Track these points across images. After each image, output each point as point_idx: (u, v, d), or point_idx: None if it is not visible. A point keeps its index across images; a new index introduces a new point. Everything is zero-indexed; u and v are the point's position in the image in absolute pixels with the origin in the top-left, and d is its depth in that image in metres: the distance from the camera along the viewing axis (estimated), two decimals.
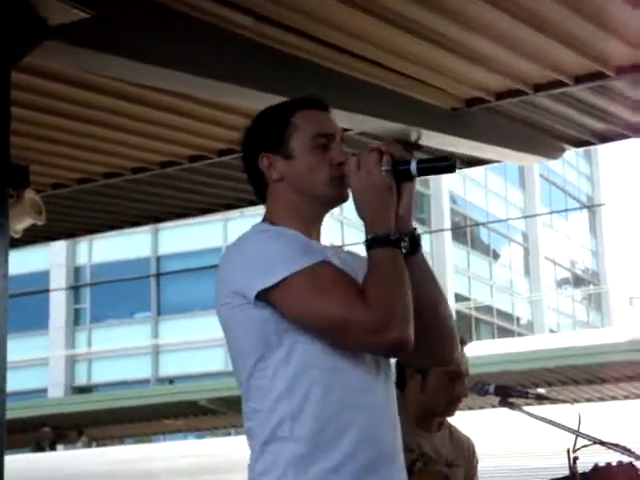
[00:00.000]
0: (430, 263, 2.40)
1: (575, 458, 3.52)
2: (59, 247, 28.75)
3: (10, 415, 4.33)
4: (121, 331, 30.76)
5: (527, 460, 8.87)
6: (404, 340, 2.20)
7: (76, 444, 20.50)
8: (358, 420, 2.25)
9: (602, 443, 3.52)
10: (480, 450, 3.93)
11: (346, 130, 5.81)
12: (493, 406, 7.33)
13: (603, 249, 44.69)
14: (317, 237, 2.42)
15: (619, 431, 6.27)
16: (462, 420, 4.08)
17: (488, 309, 35.36)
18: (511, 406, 3.69)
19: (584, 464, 3.60)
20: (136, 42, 4.85)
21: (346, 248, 2.70)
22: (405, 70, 5.75)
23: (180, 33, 4.96)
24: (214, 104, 6.05)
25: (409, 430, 2.90)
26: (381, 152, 2.32)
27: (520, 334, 34.39)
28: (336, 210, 2.49)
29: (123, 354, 30.47)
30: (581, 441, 3.51)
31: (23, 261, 23.64)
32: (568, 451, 3.50)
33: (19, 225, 6.32)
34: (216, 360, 27.85)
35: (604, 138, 7.11)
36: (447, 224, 32.78)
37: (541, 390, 14.72)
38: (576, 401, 13.52)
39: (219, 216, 23.50)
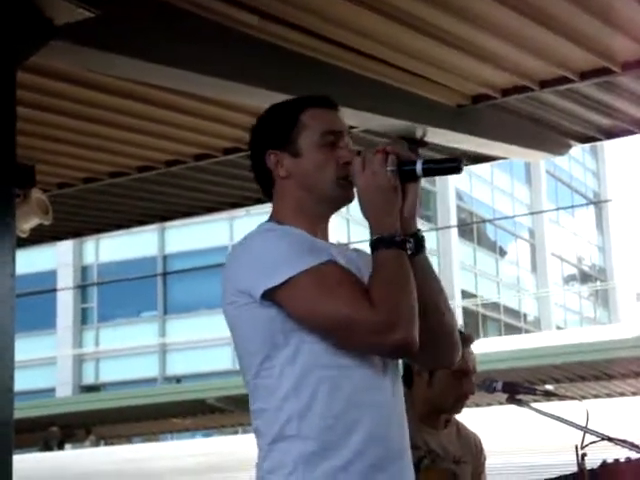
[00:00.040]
0: (437, 260, 2.40)
1: (583, 455, 3.52)
2: (66, 246, 28.77)
3: (18, 415, 4.34)
4: (128, 330, 30.80)
5: (535, 457, 8.87)
6: (409, 341, 2.20)
7: (84, 443, 20.54)
8: (366, 418, 2.25)
9: (610, 439, 3.52)
10: (488, 447, 3.93)
11: (352, 127, 5.81)
12: (501, 403, 7.33)
13: (610, 245, 44.63)
14: (323, 236, 2.42)
15: (627, 427, 6.26)
16: (470, 417, 4.07)
17: (495, 306, 35.34)
18: (519, 403, 3.69)
19: (592, 460, 3.59)
20: (141, 41, 4.86)
21: (352, 246, 2.70)
22: (411, 67, 5.75)
23: (185, 32, 4.96)
24: (219, 102, 6.05)
25: (415, 427, 2.90)
26: (386, 152, 2.32)
27: (527, 331, 34.37)
28: (341, 209, 2.49)
29: (130, 353, 30.51)
30: (589, 437, 3.51)
31: (30, 261, 23.69)
32: (576, 448, 3.49)
33: (26, 225, 6.33)
34: (223, 359, 27.88)
35: (610, 134, 7.11)
36: (453, 221, 32.77)
37: (548, 387, 14.73)
38: (584, 397, 13.51)
39: (225, 215, 23.53)
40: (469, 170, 29.87)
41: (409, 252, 2.30)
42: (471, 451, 3.82)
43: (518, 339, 20.72)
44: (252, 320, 2.27)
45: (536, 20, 5.14)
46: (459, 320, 29.59)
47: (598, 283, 42.97)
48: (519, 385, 3.77)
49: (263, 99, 4.97)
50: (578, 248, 42.33)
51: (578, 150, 32.00)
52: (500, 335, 31.73)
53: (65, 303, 30.90)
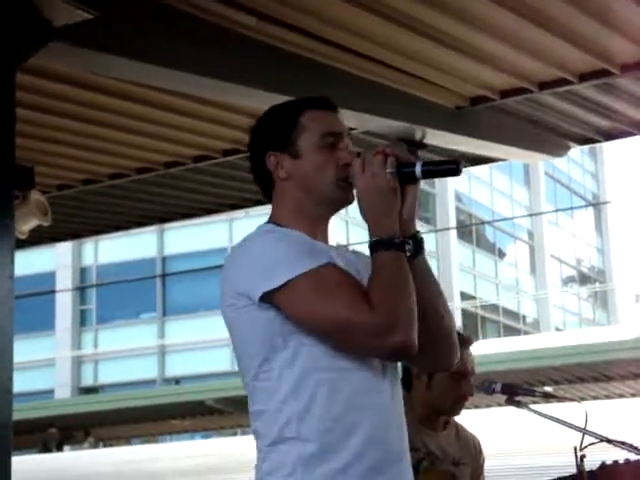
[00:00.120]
0: (435, 262, 2.41)
1: (582, 456, 3.52)
2: (65, 248, 28.78)
3: (17, 416, 4.34)
4: (127, 332, 30.78)
5: (534, 458, 8.87)
6: (408, 344, 2.20)
7: (83, 445, 20.54)
8: (365, 421, 2.25)
9: (609, 441, 3.52)
10: (487, 449, 3.93)
11: (350, 129, 5.81)
12: (500, 404, 7.33)
13: (609, 247, 44.64)
14: (323, 237, 2.42)
15: (626, 429, 6.27)
16: (469, 419, 4.07)
17: (494, 307, 35.34)
18: (518, 404, 3.69)
19: (591, 462, 3.59)
20: (140, 43, 4.85)
21: (351, 247, 2.70)
22: (409, 69, 5.75)
23: (184, 33, 4.96)
24: (218, 104, 6.05)
25: (414, 429, 2.90)
26: (386, 154, 2.32)
27: (526, 332, 34.37)
28: (340, 210, 2.49)
29: (129, 355, 30.50)
30: (588, 439, 3.51)
31: (29, 262, 23.70)
32: (575, 449, 3.49)
33: (25, 226, 6.32)
34: (222, 360, 27.87)
35: (609, 136, 7.11)
36: (452, 222, 32.77)
37: (547, 388, 14.73)
38: (583, 399, 13.52)
39: (224, 216, 23.52)
40: (468, 172, 29.89)
41: (408, 254, 2.30)
42: (470, 453, 3.82)
43: (517, 341, 20.74)
44: (251, 322, 2.27)
45: (535, 22, 5.14)
46: (458, 322, 29.60)
47: (597, 285, 42.98)
48: (518, 387, 3.78)
49: (262, 101, 4.98)
50: (577, 250, 42.34)
51: (577, 152, 32.01)
52: (499, 337, 31.72)
53: (64, 305, 30.89)
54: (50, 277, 30.16)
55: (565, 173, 40.88)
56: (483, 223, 35.32)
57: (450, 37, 5.31)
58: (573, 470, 3.62)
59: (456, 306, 30.23)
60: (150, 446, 18.20)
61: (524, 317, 37.73)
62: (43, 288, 27.76)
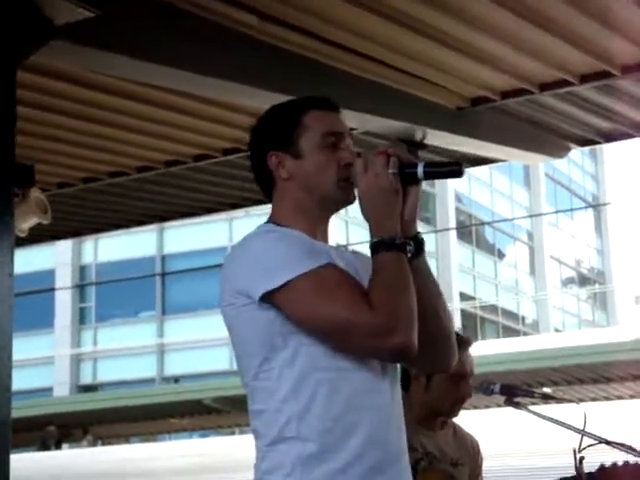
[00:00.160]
0: (435, 262, 2.41)
1: (581, 458, 3.52)
2: (64, 246, 28.78)
3: (15, 414, 4.34)
4: (126, 330, 30.79)
5: (533, 459, 8.88)
6: (408, 345, 2.20)
7: (81, 443, 20.54)
8: (365, 421, 2.25)
9: (608, 442, 3.52)
10: (485, 449, 3.93)
11: (352, 129, 5.80)
12: (498, 405, 7.33)
13: (608, 248, 44.64)
14: (323, 237, 2.42)
15: (625, 430, 6.27)
16: (467, 419, 4.07)
17: (493, 308, 35.34)
18: (517, 405, 3.69)
19: (590, 463, 3.59)
20: (141, 41, 4.85)
21: (351, 247, 2.70)
22: (410, 69, 5.75)
23: (185, 32, 4.96)
24: (219, 103, 6.05)
25: (413, 430, 2.90)
26: (388, 155, 2.32)
27: (525, 333, 34.36)
28: (341, 210, 2.49)
29: (128, 353, 30.50)
30: (587, 440, 3.50)
31: (28, 260, 23.69)
32: (574, 451, 3.49)
33: (25, 224, 6.32)
34: (221, 359, 27.87)
35: (609, 137, 7.11)
36: (452, 223, 32.77)
37: (546, 389, 14.73)
38: (582, 400, 13.51)
39: (224, 215, 23.51)
40: (468, 172, 29.83)
41: (409, 255, 2.30)
42: (468, 453, 3.82)
43: (516, 342, 20.74)
44: (251, 322, 2.27)
45: (535, 23, 5.14)
46: (457, 322, 29.60)
47: (597, 286, 42.98)
48: (517, 388, 3.77)
49: (263, 100, 4.97)
50: (577, 251, 42.35)
51: (577, 153, 32.03)
52: (498, 337, 31.72)
53: (63, 303, 30.89)
54: (50, 275, 30.16)
55: (565, 174, 40.89)
56: (483, 224, 35.32)
57: (451, 38, 5.31)
58: (572, 471, 3.62)
59: (455, 307, 30.23)
60: (148, 445, 18.21)
61: (523, 318, 37.73)
62: (42, 286, 27.75)
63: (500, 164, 8.27)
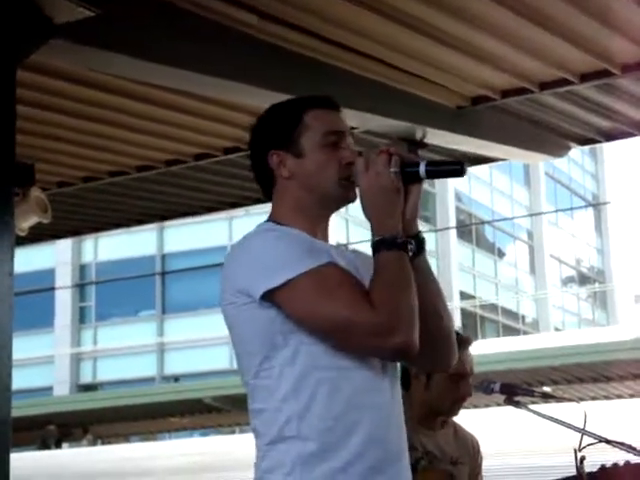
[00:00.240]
0: (435, 261, 2.41)
1: (582, 458, 3.52)
2: (64, 245, 28.78)
3: (16, 413, 4.34)
4: (126, 329, 30.79)
5: (533, 458, 8.88)
6: (409, 344, 2.20)
7: (81, 442, 20.54)
8: (366, 420, 2.25)
9: (608, 441, 3.52)
10: (485, 448, 3.92)
11: (352, 128, 5.81)
12: (498, 404, 7.33)
13: (608, 247, 44.64)
14: (323, 236, 2.42)
15: (625, 429, 6.27)
16: (467, 418, 4.07)
17: (493, 307, 35.34)
18: (517, 404, 3.69)
19: (590, 462, 3.59)
20: (141, 40, 4.85)
21: (351, 247, 2.70)
22: (410, 68, 5.75)
23: (185, 31, 4.96)
24: (219, 102, 6.05)
25: (412, 429, 2.90)
26: (390, 154, 2.32)
27: (525, 332, 34.37)
28: (341, 208, 2.49)
29: (128, 352, 30.49)
30: (587, 439, 3.50)
31: (28, 259, 23.70)
32: (575, 451, 3.49)
33: (25, 223, 6.32)
34: (221, 358, 27.87)
35: (609, 136, 7.11)
36: (452, 222, 32.77)
37: (546, 388, 14.73)
38: (581, 399, 13.52)
39: (224, 214, 23.51)
40: (468, 171, 29.70)
41: (410, 254, 2.30)
42: (468, 452, 3.82)
43: (516, 340, 20.73)
44: (251, 320, 2.27)
45: (536, 22, 5.14)
46: (457, 321, 29.60)
47: (597, 285, 42.97)
48: (517, 387, 3.77)
49: (263, 99, 4.97)
50: (577, 250, 42.34)
51: (577, 152, 32.03)
52: (498, 336, 31.70)
53: (63, 302, 30.89)
54: (49, 274, 30.15)
55: (565, 173, 40.88)
56: (483, 223, 35.32)
57: (451, 37, 5.31)
58: (572, 470, 3.62)
59: (455, 305, 30.23)
60: (148, 444, 18.21)
61: (523, 317, 37.73)
62: (42, 285, 27.76)
63: (500, 163, 8.27)
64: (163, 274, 30.04)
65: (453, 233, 32.96)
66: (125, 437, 23.00)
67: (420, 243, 2.37)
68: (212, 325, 25.28)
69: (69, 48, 4.64)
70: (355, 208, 2.38)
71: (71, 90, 5.76)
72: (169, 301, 30.53)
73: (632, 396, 16.46)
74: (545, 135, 6.99)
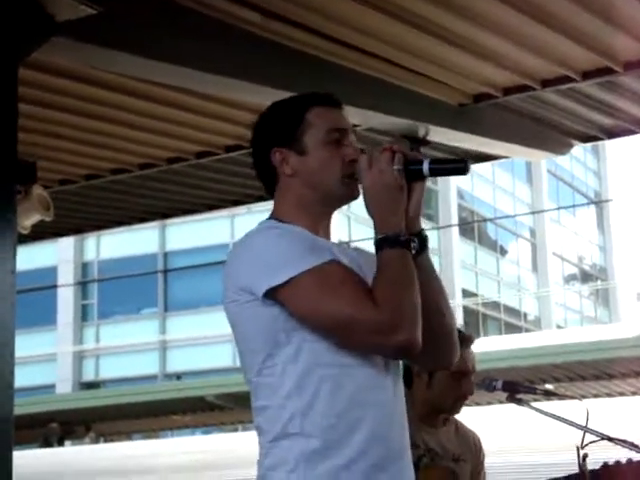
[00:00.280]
0: (437, 259, 2.41)
1: (585, 455, 3.51)
2: (67, 243, 28.80)
3: (18, 411, 4.34)
4: (129, 327, 30.81)
5: (535, 456, 8.87)
6: (412, 342, 2.20)
7: (84, 440, 20.55)
8: (369, 417, 2.25)
9: (610, 439, 3.51)
10: (487, 446, 3.92)
11: (354, 126, 5.80)
12: (501, 402, 7.33)
13: (611, 245, 44.63)
14: (325, 234, 2.42)
15: (627, 427, 6.27)
16: (469, 416, 4.07)
17: (495, 305, 35.34)
18: (519, 402, 3.69)
19: (592, 460, 3.59)
20: (143, 38, 4.85)
21: (353, 244, 2.70)
22: (413, 66, 5.75)
23: (187, 29, 4.96)
24: (221, 100, 6.05)
25: (414, 426, 2.90)
26: (393, 151, 2.32)
27: (527, 330, 34.38)
28: (344, 206, 2.49)
29: (131, 350, 30.52)
30: (589, 437, 3.50)
31: (31, 257, 23.72)
32: (578, 448, 3.49)
33: (27, 221, 6.33)
34: (223, 356, 27.88)
35: (612, 134, 7.11)
36: (455, 220, 32.77)
37: (549, 386, 14.73)
38: (584, 397, 13.50)
39: (226, 212, 23.52)
40: (470, 169, 29.72)
41: (413, 252, 2.30)
42: (470, 449, 3.82)
43: (518, 338, 20.74)
44: (254, 318, 2.27)
45: (538, 19, 5.14)
46: (459, 319, 29.60)
47: (599, 282, 42.96)
48: (519, 384, 3.77)
49: (265, 97, 4.97)
50: (579, 247, 42.33)
51: (579, 149, 32.01)
52: (500, 334, 31.75)
53: (65, 299, 30.91)
54: (52, 272, 30.17)
55: (568, 171, 40.87)
56: (485, 220, 35.31)
57: (453, 34, 5.30)
58: (574, 468, 3.62)
59: (458, 303, 30.23)
60: (151, 441, 18.22)
61: (525, 315, 37.72)
62: (45, 283, 27.77)
63: (502, 161, 8.27)
64: (165, 272, 30.05)
65: (455, 231, 32.95)
66: (127, 435, 23.02)
67: (423, 241, 2.37)
68: (214, 323, 25.29)
69: (71, 46, 4.64)
70: (357, 206, 2.37)
71: (73, 88, 5.76)
72: (171, 299, 30.55)
73: (634, 394, 16.46)
74: (547, 133, 6.98)
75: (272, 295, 2.23)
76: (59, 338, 31.22)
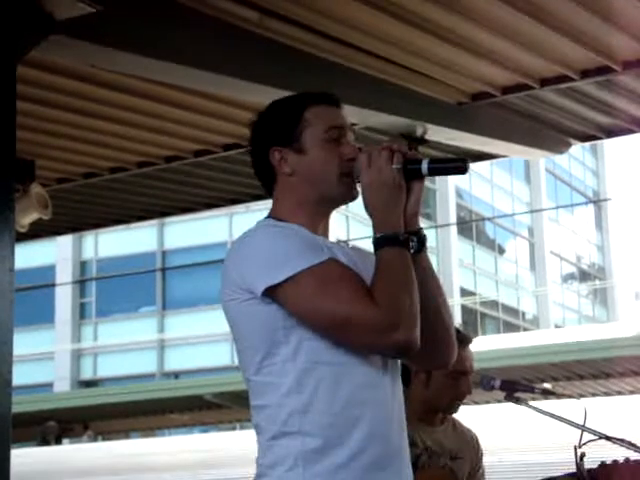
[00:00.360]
0: (436, 258, 2.41)
1: (582, 454, 3.52)
2: (65, 241, 28.79)
3: (16, 409, 4.34)
4: (127, 325, 30.79)
5: (533, 455, 8.88)
6: (410, 341, 2.20)
7: (82, 438, 20.55)
8: (367, 416, 2.25)
9: (608, 438, 3.52)
10: (486, 445, 3.93)
11: (352, 125, 5.80)
12: (499, 401, 7.34)
13: (609, 244, 44.64)
14: (324, 232, 2.42)
15: (625, 426, 6.27)
16: (467, 415, 4.08)
17: (493, 304, 35.35)
18: (517, 401, 3.69)
19: (590, 459, 3.59)
20: (142, 36, 4.85)
21: (351, 243, 2.70)
22: (411, 64, 5.75)
23: (186, 27, 4.96)
24: (220, 98, 6.05)
25: (412, 425, 2.91)
26: (392, 150, 2.32)
27: (525, 329, 34.38)
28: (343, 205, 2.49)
29: (129, 348, 30.51)
30: (587, 436, 3.51)
31: (29, 255, 23.71)
32: (575, 448, 3.49)
33: (25, 219, 6.32)
34: (221, 354, 27.88)
35: (610, 133, 7.10)
36: (453, 219, 32.77)
37: (547, 385, 14.74)
38: (582, 396, 13.52)
39: (224, 211, 23.53)
40: (469, 168, 29.67)
41: (412, 251, 2.30)
42: (468, 447, 3.82)
43: (516, 337, 20.78)
44: (253, 317, 2.27)
45: (536, 18, 5.14)
46: (458, 318, 29.62)
47: (597, 282, 42.97)
48: (517, 383, 3.78)
49: (264, 96, 4.97)
50: (577, 246, 42.34)
51: (578, 149, 32.04)
52: (498, 333, 31.76)
53: (64, 298, 30.89)
54: (50, 270, 30.16)
55: (566, 170, 40.87)
56: (483, 219, 35.31)
57: (452, 33, 5.30)
58: (572, 467, 3.62)
59: (456, 302, 30.25)
60: (149, 440, 18.22)
61: (524, 314, 37.73)
62: (43, 281, 27.77)
63: (501, 159, 8.27)
64: (163, 270, 30.04)
65: (453, 229, 32.95)
66: (125, 433, 23.02)
67: (421, 240, 2.37)
68: (212, 321, 25.29)
69: (69, 44, 4.63)
70: (355, 205, 2.38)
71: (71, 86, 5.76)
72: (169, 297, 30.53)
73: (632, 392, 16.48)
74: (546, 131, 6.98)
75: (271, 293, 2.23)
76: (57, 336, 31.21)
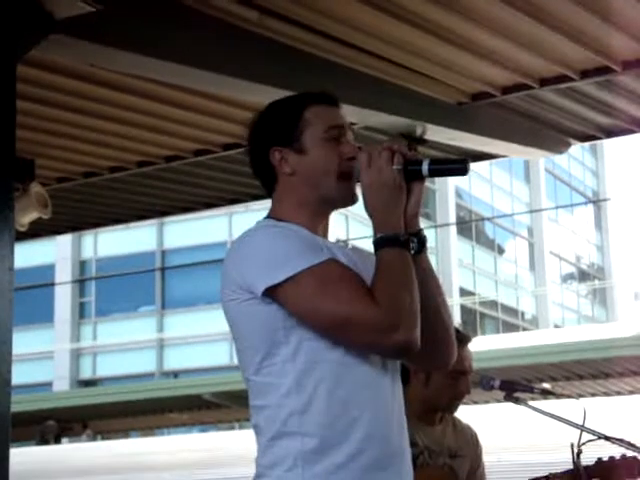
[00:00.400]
0: (435, 258, 2.41)
1: (579, 452, 3.53)
2: (64, 240, 28.79)
3: (15, 408, 4.34)
4: (126, 325, 30.79)
5: (532, 454, 8.88)
6: (410, 342, 2.20)
7: (81, 437, 20.55)
8: (367, 416, 2.25)
9: (607, 438, 3.52)
10: (485, 444, 3.93)
11: (352, 124, 5.80)
12: (498, 401, 7.34)
13: (608, 244, 44.65)
14: (324, 232, 2.42)
15: (624, 426, 6.27)
16: (467, 414, 4.08)
17: (493, 304, 35.36)
18: (516, 401, 3.70)
19: (589, 459, 3.60)
20: (142, 36, 4.85)
21: (351, 243, 2.70)
22: (411, 64, 5.75)
23: (186, 27, 4.96)
24: (220, 98, 6.05)
25: (411, 424, 2.91)
26: (393, 150, 2.32)
27: (525, 329, 34.39)
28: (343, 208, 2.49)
29: (128, 348, 30.51)
30: (586, 436, 3.51)
31: (29, 254, 23.72)
32: (572, 445, 3.50)
33: (25, 218, 6.32)
34: (220, 354, 27.88)
35: (610, 133, 7.11)
36: (452, 219, 32.77)
37: (546, 385, 14.75)
38: (581, 396, 13.52)
39: (224, 210, 23.52)
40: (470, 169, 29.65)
41: (412, 252, 2.30)
42: (468, 444, 3.83)
43: (516, 337, 20.78)
44: (253, 317, 2.27)
45: (537, 18, 5.14)
46: (457, 318, 29.63)
47: (596, 282, 42.98)
48: (516, 383, 3.78)
49: (264, 95, 4.97)
50: (577, 246, 42.35)
51: (577, 149, 32.04)
52: (498, 333, 31.78)
53: (63, 297, 30.90)
54: (50, 269, 30.17)
55: (565, 170, 40.88)
56: (483, 219, 35.32)
57: (452, 33, 5.30)
58: (571, 467, 3.63)
59: (455, 302, 30.25)
60: (148, 439, 18.22)
61: (523, 314, 37.75)
62: (43, 280, 27.78)
63: (500, 159, 8.27)
64: (163, 270, 30.05)
65: (453, 229, 32.96)
66: (124, 433, 23.03)
67: (422, 241, 2.37)
68: (212, 321, 25.30)
69: (69, 43, 4.63)
70: (356, 205, 2.37)
71: (71, 85, 5.76)
72: (169, 297, 30.54)
73: (631, 393, 16.49)
74: (545, 131, 6.98)
75: (271, 294, 2.23)
76: (56, 336, 31.21)
